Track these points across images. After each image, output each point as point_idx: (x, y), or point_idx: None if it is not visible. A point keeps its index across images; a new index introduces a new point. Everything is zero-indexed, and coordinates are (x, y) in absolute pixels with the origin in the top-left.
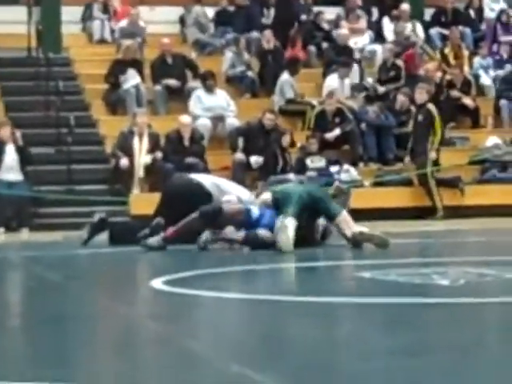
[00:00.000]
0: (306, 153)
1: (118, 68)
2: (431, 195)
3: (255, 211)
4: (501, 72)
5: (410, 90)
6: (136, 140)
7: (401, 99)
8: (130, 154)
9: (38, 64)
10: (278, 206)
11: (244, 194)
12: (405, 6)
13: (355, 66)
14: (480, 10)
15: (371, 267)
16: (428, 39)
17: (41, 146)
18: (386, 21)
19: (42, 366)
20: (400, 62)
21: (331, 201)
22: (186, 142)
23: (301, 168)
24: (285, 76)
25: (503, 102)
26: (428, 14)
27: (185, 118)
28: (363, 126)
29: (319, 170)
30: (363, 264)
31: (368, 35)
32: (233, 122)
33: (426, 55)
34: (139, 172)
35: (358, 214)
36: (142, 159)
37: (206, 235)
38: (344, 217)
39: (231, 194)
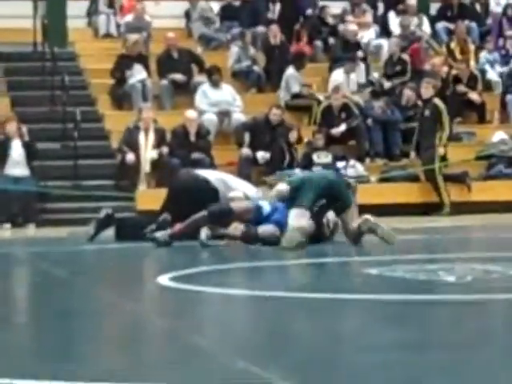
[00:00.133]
0: (312, 148)
1: (123, 63)
2: (439, 191)
3: (266, 207)
4: (507, 67)
5: (416, 85)
6: (142, 135)
7: (407, 94)
8: (135, 149)
9: (43, 58)
10: (294, 196)
11: (250, 189)
12: (411, 0)
13: (360, 62)
14: (486, 5)
15: (378, 263)
16: (434, 34)
17: (47, 141)
18: (391, 15)
19: (48, 362)
20: (406, 57)
21: (347, 189)
22: (192, 137)
23: (307, 163)
24: (290, 70)
25: (509, 97)
26: (434, 8)
27: (191, 113)
28: (369, 121)
29: (325, 166)
30: (370, 260)
31: (374, 29)
32: (239, 117)
33: (432, 50)
34: (145, 167)
35: (364, 210)
36: (148, 154)
37: (205, 232)
38: (354, 209)
39: (237, 189)
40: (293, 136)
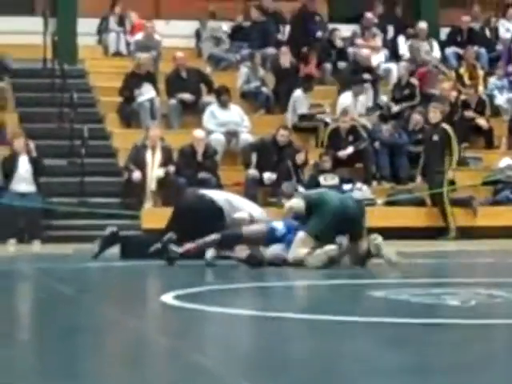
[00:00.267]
0: (319, 170)
1: (132, 81)
2: (445, 215)
3: (280, 227)
4: None
5: (424, 109)
6: (149, 153)
7: (415, 118)
8: (142, 167)
9: (53, 75)
10: (310, 213)
11: (255, 210)
12: (422, 25)
13: (369, 85)
14: (496, 30)
15: (383, 286)
16: (443, 58)
17: (54, 158)
18: (401, 39)
19: (53, 379)
20: (415, 81)
21: (363, 217)
22: (199, 157)
23: (313, 185)
24: (298, 92)
25: None
26: (444, 33)
27: (198, 133)
28: (376, 144)
29: (332, 188)
30: (375, 283)
31: (383, 53)
32: (246, 137)
33: (442, 74)
34: (151, 185)
35: (371, 233)
36: (155, 172)
37: (210, 253)
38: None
39: (243, 210)
40: (300, 158)
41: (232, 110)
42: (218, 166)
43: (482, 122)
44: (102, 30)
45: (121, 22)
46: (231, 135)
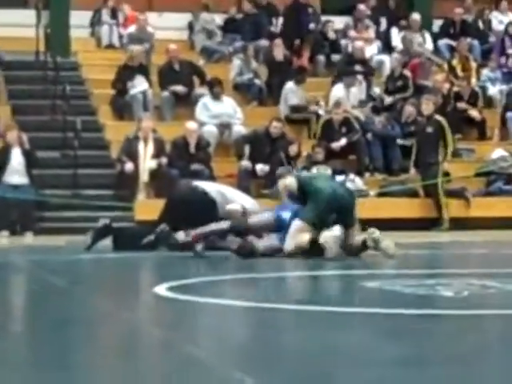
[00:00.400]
0: (311, 162)
1: (125, 73)
2: (439, 206)
3: (286, 215)
4: (508, 85)
5: (417, 101)
6: (141, 145)
7: (408, 110)
8: (134, 158)
9: (45, 68)
10: (302, 194)
11: (248, 201)
12: (416, 16)
13: (362, 77)
14: (489, 22)
15: (376, 277)
16: (436, 50)
17: (47, 150)
18: (394, 31)
19: (45, 370)
20: (407, 73)
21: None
22: (192, 149)
23: None
24: (289, 84)
25: (510, 115)
26: (436, 25)
27: (191, 125)
28: (369, 136)
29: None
30: (368, 274)
31: (376, 45)
32: (239, 129)
33: (436, 66)
34: (144, 177)
35: (363, 224)
36: (147, 164)
37: (200, 245)
38: (356, 227)
39: (236, 202)
40: (293, 149)
41: (225, 101)
42: (210, 158)
43: (474, 113)
44: (95, 22)
45: (113, 14)
46: (224, 127)
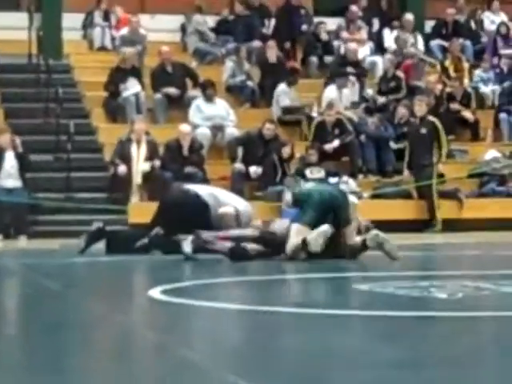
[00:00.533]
0: (305, 164)
1: (117, 76)
2: (433, 208)
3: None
4: (501, 85)
5: (410, 102)
6: (134, 147)
7: (401, 111)
8: (128, 161)
9: (38, 70)
10: (300, 206)
11: (241, 203)
12: (409, 17)
13: (355, 79)
14: (481, 23)
15: (369, 280)
16: (428, 51)
17: (40, 153)
18: (386, 32)
19: (39, 374)
20: (400, 73)
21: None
22: (185, 151)
23: (300, 179)
24: (281, 86)
25: (503, 116)
26: (428, 26)
27: (184, 127)
28: (362, 137)
29: (318, 181)
30: (361, 276)
31: (369, 46)
32: (232, 131)
33: (430, 66)
34: (137, 179)
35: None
36: (140, 166)
37: (188, 246)
38: (354, 224)
39: (228, 204)
40: (286, 151)
41: (217, 103)
42: (204, 160)
43: (467, 114)
44: (87, 24)
45: (106, 16)
46: (217, 129)
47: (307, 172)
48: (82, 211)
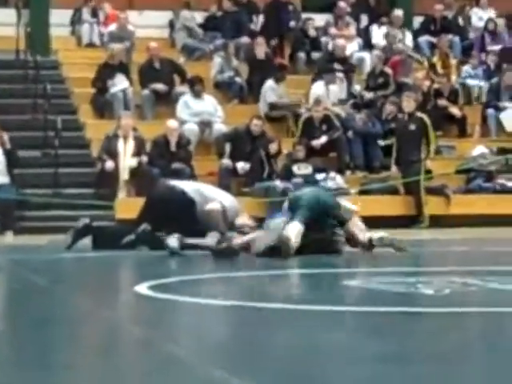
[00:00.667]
0: (292, 160)
1: (105, 72)
2: (420, 204)
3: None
4: (488, 81)
5: (398, 98)
6: (121, 142)
7: (389, 108)
8: (114, 156)
9: (26, 67)
10: (293, 209)
11: (227, 199)
12: (398, 13)
13: (342, 75)
14: (469, 19)
15: (356, 275)
16: (416, 47)
17: (28, 149)
18: (374, 28)
19: (26, 369)
20: (388, 70)
21: (341, 207)
22: (173, 147)
23: (287, 175)
24: (269, 82)
25: (490, 112)
26: (416, 22)
27: (172, 123)
28: (350, 133)
29: (305, 177)
30: (348, 272)
31: (357, 42)
32: (220, 127)
33: (417, 63)
34: (124, 174)
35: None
36: (127, 161)
37: (173, 241)
38: (355, 221)
39: (215, 200)
40: (273, 148)
41: (205, 99)
42: (191, 156)
43: (454, 110)
44: (76, 20)
45: (94, 12)
46: (205, 125)
47: (294, 168)
48: (69, 207)
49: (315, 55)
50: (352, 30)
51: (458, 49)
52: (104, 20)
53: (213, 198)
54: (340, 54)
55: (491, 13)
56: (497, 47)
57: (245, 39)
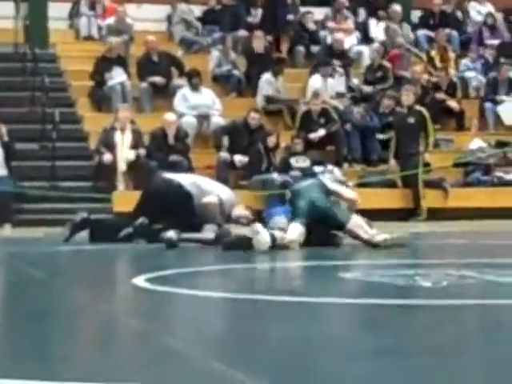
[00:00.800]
0: (290, 153)
1: (103, 65)
2: (418, 197)
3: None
4: (486, 75)
5: (396, 92)
6: (118, 135)
7: (387, 101)
8: (112, 149)
9: (24, 59)
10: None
11: (225, 192)
12: (396, 7)
13: (341, 68)
14: (468, 13)
15: (353, 268)
16: (415, 41)
17: (25, 142)
18: (372, 22)
19: (23, 362)
20: (387, 63)
21: (338, 209)
22: (171, 140)
23: (285, 168)
24: (266, 76)
25: (488, 105)
26: (415, 16)
27: (170, 116)
28: (348, 126)
29: (303, 170)
30: (345, 264)
31: (355, 36)
32: (218, 120)
33: (415, 56)
34: (122, 167)
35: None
36: (125, 154)
37: (171, 234)
38: (355, 222)
39: (212, 193)
40: (271, 141)
41: (203, 93)
42: (189, 149)
43: (453, 104)
44: (74, 14)
45: (92, 5)
46: (203, 118)
47: (292, 161)
48: (66, 200)
49: (314, 49)
50: (350, 23)
51: (456, 43)
52: (102, 13)
53: (210, 190)
54: (338, 47)
55: (490, 7)
56: (495, 41)
57: (243, 33)
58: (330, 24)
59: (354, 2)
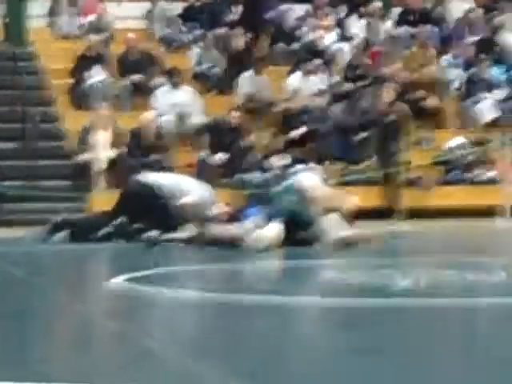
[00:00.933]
0: (271, 151)
1: (82, 63)
2: (398, 195)
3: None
4: (466, 72)
5: (377, 89)
6: (98, 134)
7: (367, 99)
8: (92, 148)
9: (3, 58)
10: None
11: (203, 190)
12: (377, 4)
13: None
14: (448, 10)
15: (332, 267)
16: (395, 38)
17: (5, 141)
18: (353, 19)
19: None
20: (367, 61)
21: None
22: (151, 139)
23: (265, 166)
24: (246, 74)
25: (467, 103)
26: (395, 12)
27: (149, 114)
28: (328, 124)
29: (284, 168)
30: (324, 264)
31: (335, 33)
32: (198, 118)
33: (395, 54)
34: (101, 166)
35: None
36: (104, 153)
37: (151, 234)
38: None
39: (190, 192)
40: (251, 139)
41: (183, 91)
42: (169, 148)
43: (432, 101)
44: (53, 12)
45: (72, 3)
46: (183, 116)
47: (273, 159)
48: (46, 199)
49: (294, 46)
50: (331, 20)
51: (436, 40)
52: (82, 11)
53: (188, 190)
54: (318, 44)
55: (470, 3)
56: (475, 38)
57: (223, 30)
58: (311, 21)
59: None
